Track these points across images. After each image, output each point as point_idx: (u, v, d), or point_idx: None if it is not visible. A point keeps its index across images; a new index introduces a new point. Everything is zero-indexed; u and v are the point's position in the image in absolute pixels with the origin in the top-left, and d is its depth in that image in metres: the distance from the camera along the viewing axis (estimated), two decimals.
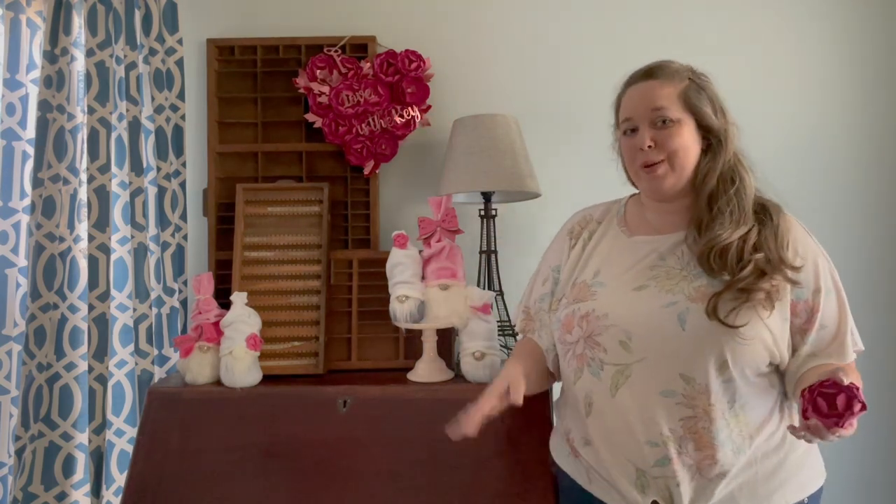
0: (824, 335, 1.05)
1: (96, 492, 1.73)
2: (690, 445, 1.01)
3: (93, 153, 1.76)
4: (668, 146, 1.07)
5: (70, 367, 1.72)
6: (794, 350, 1.05)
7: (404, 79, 1.85)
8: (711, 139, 1.10)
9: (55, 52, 1.74)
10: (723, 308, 0.99)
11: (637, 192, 1.25)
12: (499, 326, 1.66)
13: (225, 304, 1.58)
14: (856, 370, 1.07)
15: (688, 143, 1.08)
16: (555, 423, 1.29)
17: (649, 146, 1.08)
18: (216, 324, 1.54)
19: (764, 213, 1.07)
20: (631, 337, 1.05)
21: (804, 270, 1.04)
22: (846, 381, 0.88)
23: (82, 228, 1.77)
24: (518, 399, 1.07)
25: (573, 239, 1.23)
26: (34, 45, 1.78)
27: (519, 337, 1.33)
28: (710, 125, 1.09)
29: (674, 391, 1.02)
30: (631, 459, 1.05)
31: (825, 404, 0.88)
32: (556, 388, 1.32)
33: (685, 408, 1.01)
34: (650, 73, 1.12)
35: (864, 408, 0.86)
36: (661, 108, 1.08)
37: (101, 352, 1.74)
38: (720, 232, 1.03)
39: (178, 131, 1.86)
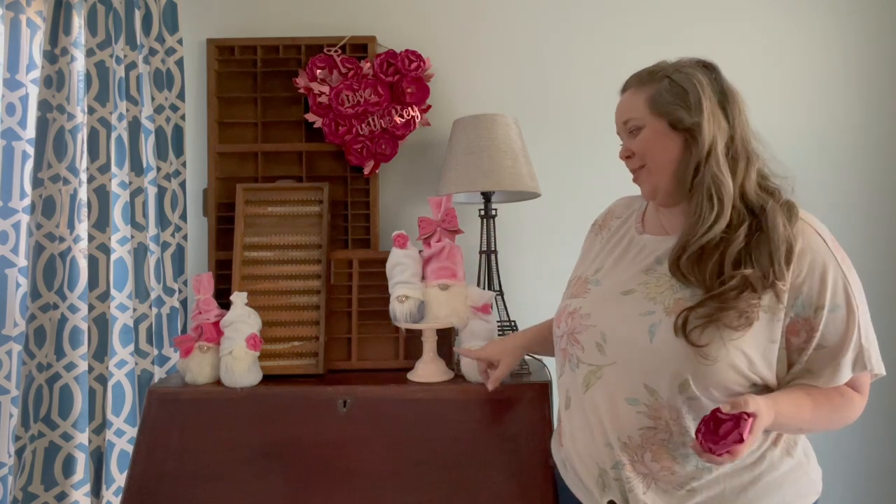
0: (821, 355, 0.98)
1: (96, 492, 1.73)
2: (647, 455, 1.01)
3: (93, 153, 1.76)
4: (638, 151, 1.09)
5: (70, 367, 1.72)
6: (791, 366, 1.00)
7: (404, 79, 1.85)
8: (688, 137, 1.04)
9: (55, 52, 1.74)
10: (691, 323, 0.95)
11: None
12: (499, 326, 1.66)
13: (225, 304, 1.58)
14: (840, 394, 1.01)
15: (653, 144, 1.07)
16: (555, 425, 1.30)
17: (627, 157, 1.12)
18: (216, 324, 1.54)
19: (764, 217, 0.99)
20: (606, 340, 1.06)
21: (807, 284, 0.97)
22: (730, 410, 0.87)
23: (82, 228, 1.77)
24: (489, 385, 1.33)
25: (594, 232, 1.26)
26: (34, 45, 1.77)
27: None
28: (681, 123, 1.04)
29: (637, 400, 1.02)
30: (593, 458, 1.07)
31: (714, 428, 0.88)
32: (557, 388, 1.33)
33: (647, 418, 1.01)
34: (626, 85, 1.14)
35: (740, 440, 0.85)
36: (628, 119, 1.11)
37: (101, 352, 1.74)
38: (685, 237, 1.00)
39: (178, 131, 1.86)
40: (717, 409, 0.89)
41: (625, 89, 1.13)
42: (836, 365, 0.98)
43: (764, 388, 1.00)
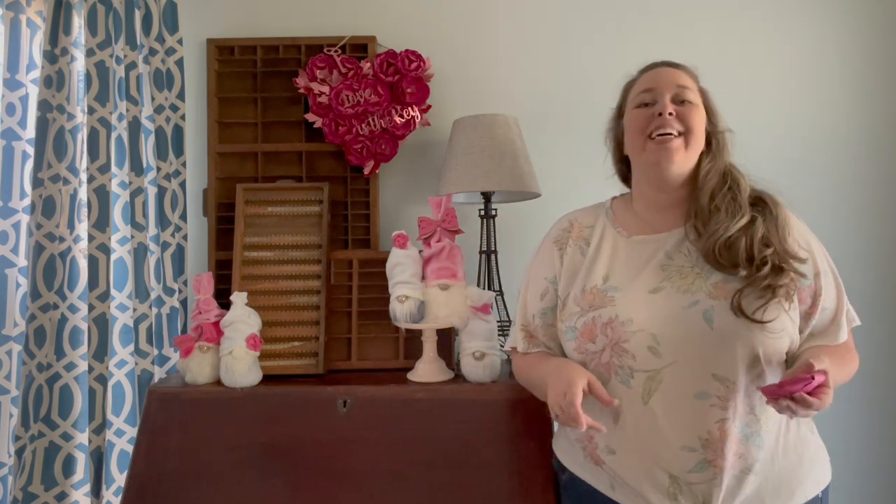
0: (825, 317, 1.09)
1: (96, 492, 1.73)
2: (725, 446, 1.01)
3: (93, 153, 1.76)
4: (688, 121, 1.10)
5: (70, 367, 1.72)
6: (800, 332, 1.08)
7: (404, 79, 1.85)
8: (714, 139, 1.13)
9: (55, 52, 1.74)
10: (748, 305, 1.00)
11: (618, 195, 1.26)
12: (499, 326, 1.65)
13: (225, 304, 1.58)
14: (846, 349, 1.11)
15: (702, 128, 1.12)
16: (556, 428, 1.28)
17: (670, 113, 1.09)
18: (216, 324, 1.54)
19: (763, 204, 1.09)
20: (659, 341, 1.03)
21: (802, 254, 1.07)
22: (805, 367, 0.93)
23: (82, 228, 1.77)
24: (615, 403, 1.01)
25: (560, 248, 1.21)
26: (34, 45, 1.77)
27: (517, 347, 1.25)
28: (716, 124, 1.14)
29: (707, 393, 1.01)
30: (664, 466, 1.03)
31: (789, 382, 0.93)
32: None
33: (719, 409, 1.01)
34: (672, 63, 1.16)
35: (825, 383, 0.91)
36: (686, 86, 1.12)
37: (101, 352, 1.74)
38: (718, 226, 1.05)
39: (178, 131, 1.86)
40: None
41: (670, 65, 1.15)
42: (837, 324, 1.10)
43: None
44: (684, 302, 1.04)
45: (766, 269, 1.02)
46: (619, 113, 1.22)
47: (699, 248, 1.07)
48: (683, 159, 1.10)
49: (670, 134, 1.08)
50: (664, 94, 1.11)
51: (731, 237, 1.04)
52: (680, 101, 1.11)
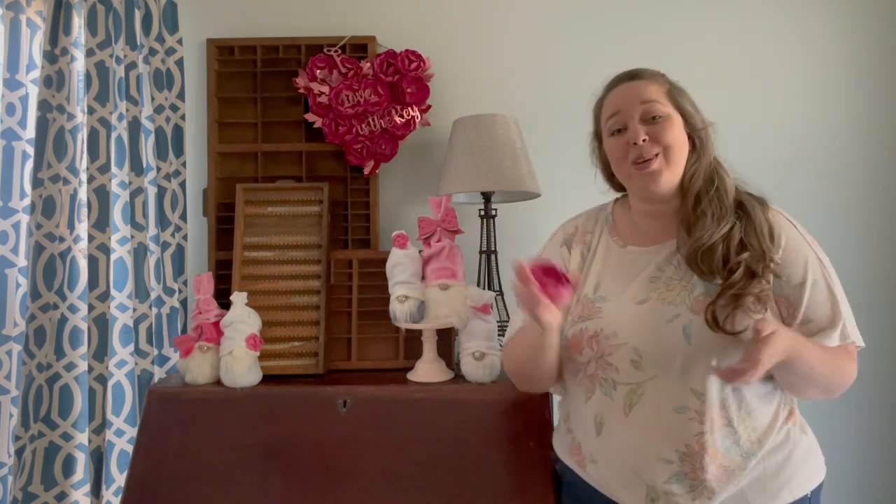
0: (810, 329, 1.04)
1: (96, 492, 1.73)
2: (706, 459, 1.01)
3: (93, 153, 1.76)
4: (663, 139, 1.07)
5: (70, 367, 1.72)
6: None
7: (404, 79, 1.85)
8: (696, 139, 1.11)
9: (55, 52, 1.74)
10: (720, 315, 0.99)
11: (619, 195, 1.25)
12: (499, 326, 1.66)
13: (225, 304, 1.58)
14: (835, 352, 1.04)
15: (680, 138, 1.09)
16: (556, 422, 1.29)
17: (644, 140, 1.07)
18: (216, 324, 1.54)
19: (743, 208, 1.08)
20: (641, 355, 1.05)
21: (789, 263, 1.04)
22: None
23: (82, 228, 1.77)
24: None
25: (569, 249, 1.21)
26: (34, 45, 1.77)
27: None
28: (694, 124, 1.11)
29: (686, 407, 1.02)
30: (643, 477, 1.05)
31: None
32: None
33: (698, 423, 1.02)
34: (633, 75, 1.14)
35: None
36: (652, 101, 1.08)
37: (101, 352, 1.74)
38: (702, 233, 1.04)
39: (178, 131, 1.86)
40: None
41: (632, 78, 1.13)
42: (822, 335, 1.04)
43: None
44: (667, 315, 1.04)
45: (738, 274, 1.00)
46: (597, 136, 1.21)
47: (683, 254, 1.06)
48: (669, 176, 1.09)
49: (649, 159, 1.07)
50: (633, 116, 1.09)
51: (713, 244, 1.03)
52: (650, 118, 1.08)
